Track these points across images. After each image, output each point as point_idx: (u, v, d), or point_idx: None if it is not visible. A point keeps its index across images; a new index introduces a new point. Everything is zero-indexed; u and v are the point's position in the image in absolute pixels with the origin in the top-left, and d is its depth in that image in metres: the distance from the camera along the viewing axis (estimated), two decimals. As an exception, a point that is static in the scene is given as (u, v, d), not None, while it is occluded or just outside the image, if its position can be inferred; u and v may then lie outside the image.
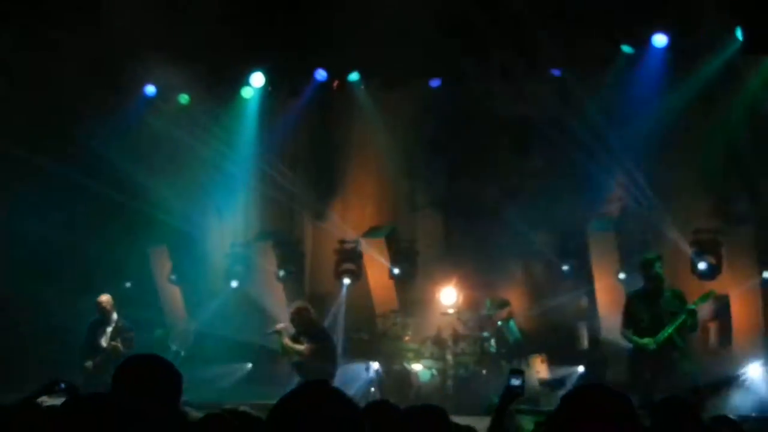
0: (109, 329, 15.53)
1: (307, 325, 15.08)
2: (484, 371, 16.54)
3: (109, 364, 14.80)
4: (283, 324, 15.51)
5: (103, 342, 15.45)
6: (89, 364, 15.24)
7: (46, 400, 7.10)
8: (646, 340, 13.84)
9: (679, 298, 14.11)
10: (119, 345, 15.26)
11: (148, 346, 16.89)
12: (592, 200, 17.70)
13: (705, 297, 14.56)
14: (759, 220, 16.59)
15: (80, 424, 3.95)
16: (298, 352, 14.70)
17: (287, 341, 15.03)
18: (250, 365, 18.80)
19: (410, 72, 18.75)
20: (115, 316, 15.66)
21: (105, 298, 15.76)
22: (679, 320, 13.74)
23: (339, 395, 3.26)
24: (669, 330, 13.75)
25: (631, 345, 14.13)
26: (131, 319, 15.96)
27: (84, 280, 17.94)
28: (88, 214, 18.68)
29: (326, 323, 17.12)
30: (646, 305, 14.09)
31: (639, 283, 14.70)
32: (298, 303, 16.07)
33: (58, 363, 15.97)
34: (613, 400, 4.00)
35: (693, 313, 13.90)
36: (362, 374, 17.06)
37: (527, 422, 12.17)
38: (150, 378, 4.80)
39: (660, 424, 6.39)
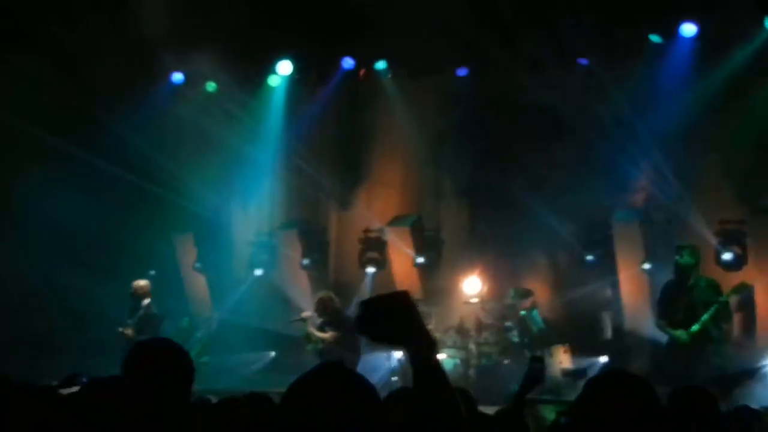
0: (137, 315, 15.64)
1: (332, 315, 15.15)
2: (506, 361, 16.50)
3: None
4: (309, 312, 15.56)
5: (121, 328, 15.49)
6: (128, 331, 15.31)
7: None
8: (678, 332, 13.84)
9: (714, 288, 14.10)
10: (129, 331, 15.28)
11: (173, 334, 17.01)
12: (617, 190, 17.62)
13: (738, 289, 14.54)
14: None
15: (93, 409, 3.97)
16: (323, 340, 14.74)
17: (312, 329, 15.06)
18: (273, 353, 18.81)
19: (437, 61, 18.73)
20: (146, 302, 15.74)
21: (142, 282, 15.89)
22: (712, 311, 13.72)
23: (354, 376, 3.26)
24: (702, 321, 13.72)
25: (666, 336, 14.15)
26: (156, 307, 16.07)
27: (110, 266, 18.00)
28: (113, 200, 18.72)
29: (349, 312, 17.12)
30: (680, 295, 14.08)
31: (664, 274, 14.68)
32: (322, 293, 16.11)
33: (81, 349, 16.08)
34: (634, 385, 4.02)
35: (726, 305, 13.87)
36: (384, 364, 17.05)
37: (549, 412, 12.18)
38: (160, 363, 4.81)
39: (678, 412, 6.36)
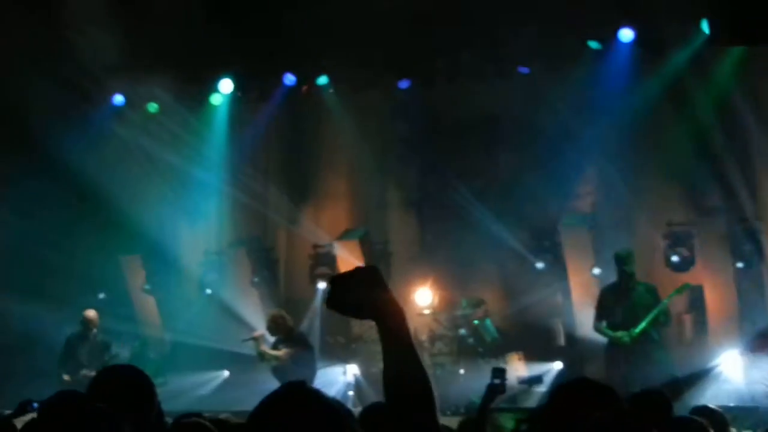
0: (88, 346, 15.55)
1: (284, 332, 15.09)
2: (461, 371, 16.55)
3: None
4: (260, 331, 15.50)
5: (83, 359, 15.41)
6: (68, 378, 15.19)
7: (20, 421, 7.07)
8: (620, 334, 14.00)
9: (652, 292, 14.29)
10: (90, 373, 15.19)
11: (125, 358, 16.92)
12: (564, 197, 17.75)
13: (680, 290, 14.75)
14: (731, 211, 16.66)
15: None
16: (276, 357, 14.69)
17: (264, 348, 15.01)
18: (227, 373, 18.74)
19: (379, 74, 18.76)
20: (94, 332, 15.69)
21: (93, 314, 15.88)
22: (653, 314, 13.92)
23: (319, 396, 3.25)
24: (643, 324, 13.91)
25: (606, 339, 14.29)
26: (106, 330, 15.98)
27: (57, 290, 17.82)
28: (58, 224, 18.55)
29: (302, 328, 17.08)
30: (619, 299, 14.25)
31: (613, 278, 14.81)
32: (274, 311, 16.07)
33: (29, 375, 15.93)
34: (597, 391, 4.06)
35: (666, 309, 14.07)
36: (339, 378, 17.05)
37: (507, 420, 12.22)
38: (124, 389, 4.81)
39: (640, 417, 6.41)
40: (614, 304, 14.29)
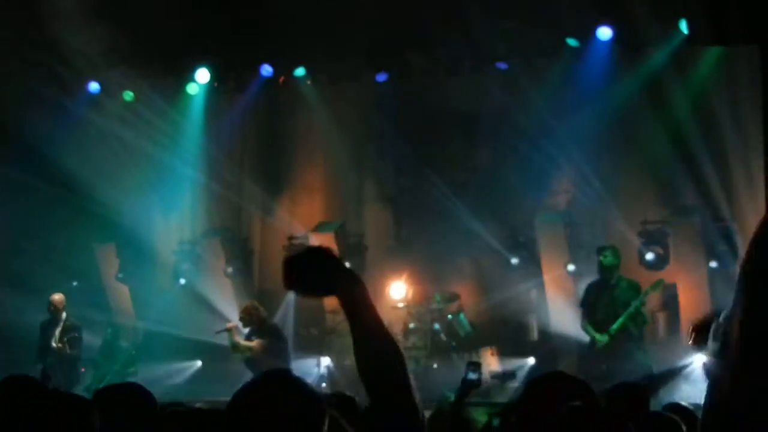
0: (58, 330, 15.48)
1: (257, 324, 15.02)
2: (435, 365, 16.55)
3: (57, 365, 14.80)
4: (234, 323, 15.45)
5: (53, 342, 15.38)
6: (40, 365, 15.16)
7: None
8: (599, 337, 14.05)
9: (635, 289, 14.32)
10: (65, 346, 15.22)
11: (97, 346, 16.87)
12: (540, 193, 17.80)
13: (655, 286, 14.80)
14: (706, 210, 16.72)
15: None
16: (250, 349, 14.65)
17: (238, 339, 14.97)
18: (200, 363, 18.70)
19: (356, 67, 18.74)
20: (64, 315, 15.63)
21: (58, 297, 15.78)
22: (630, 310, 13.96)
23: (300, 384, 3.25)
24: (621, 320, 13.96)
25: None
26: (79, 318, 15.92)
27: (29, 277, 17.75)
28: (30, 210, 18.49)
29: (276, 320, 17.03)
30: (600, 295, 14.30)
31: (588, 275, 14.87)
32: (247, 302, 15.98)
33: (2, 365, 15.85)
34: (572, 385, 4.06)
35: (640, 306, 14.11)
36: (313, 370, 17.03)
37: (480, 414, 12.20)
38: (127, 407, 4.85)
39: (616, 411, 6.43)
40: (596, 300, 14.35)
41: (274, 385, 3.22)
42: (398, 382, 3.42)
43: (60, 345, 15.27)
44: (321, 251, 3.44)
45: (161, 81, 19.24)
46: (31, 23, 17.22)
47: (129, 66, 18.22)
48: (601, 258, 14.36)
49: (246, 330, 15.23)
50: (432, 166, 18.47)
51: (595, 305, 14.34)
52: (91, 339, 16.74)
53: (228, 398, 3.20)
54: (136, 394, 5.08)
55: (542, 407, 3.99)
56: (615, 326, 13.98)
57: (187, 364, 18.67)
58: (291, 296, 18.37)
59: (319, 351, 17.52)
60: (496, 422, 9.47)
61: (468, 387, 7.47)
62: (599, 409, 4.08)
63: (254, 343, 14.66)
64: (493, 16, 16.57)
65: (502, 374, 15.84)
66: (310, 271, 3.40)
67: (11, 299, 17.24)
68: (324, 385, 16.60)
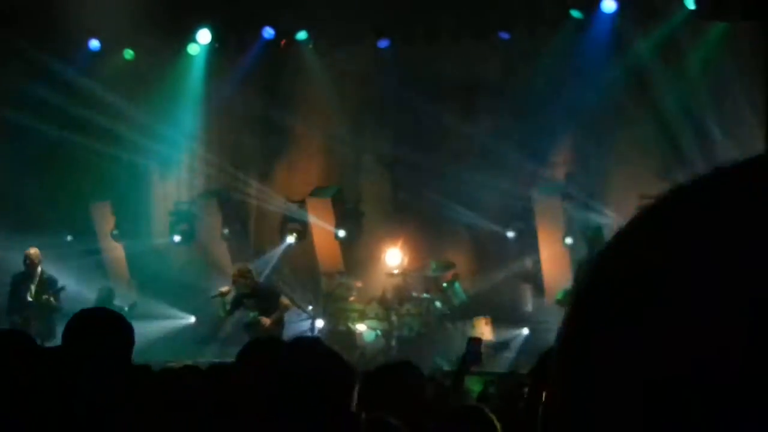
0: (33, 285, 15.42)
1: (251, 287, 14.91)
2: (428, 332, 16.58)
3: (38, 318, 14.77)
4: (228, 287, 15.32)
5: (29, 296, 15.31)
6: (16, 318, 15.07)
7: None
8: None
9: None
10: (51, 299, 15.18)
11: (92, 302, 16.82)
12: (538, 164, 17.76)
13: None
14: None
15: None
16: (258, 321, 14.40)
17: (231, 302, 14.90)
18: (193, 318, 18.70)
19: (358, 32, 18.68)
20: (39, 269, 15.57)
21: (33, 251, 15.71)
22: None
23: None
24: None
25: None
26: (73, 274, 15.92)
27: (22, 230, 17.70)
28: (25, 162, 18.52)
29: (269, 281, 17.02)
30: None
31: (584, 248, 14.89)
32: (240, 265, 15.82)
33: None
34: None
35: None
36: (306, 334, 17.01)
37: (475, 383, 12.25)
38: (100, 331, 4.74)
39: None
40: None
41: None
42: None
43: (46, 297, 15.20)
44: None
45: (162, 40, 19.15)
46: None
47: (130, 24, 18.13)
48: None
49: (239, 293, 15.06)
50: (431, 134, 18.44)
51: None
52: (86, 296, 16.73)
53: (219, 359, 3.27)
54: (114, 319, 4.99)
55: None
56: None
57: (180, 320, 18.68)
58: (278, 254, 18.44)
59: (313, 315, 17.52)
60: (491, 390, 9.54)
61: (469, 362, 7.58)
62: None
63: (267, 321, 14.43)
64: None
65: (496, 344, 15.89)
66: None
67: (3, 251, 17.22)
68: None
